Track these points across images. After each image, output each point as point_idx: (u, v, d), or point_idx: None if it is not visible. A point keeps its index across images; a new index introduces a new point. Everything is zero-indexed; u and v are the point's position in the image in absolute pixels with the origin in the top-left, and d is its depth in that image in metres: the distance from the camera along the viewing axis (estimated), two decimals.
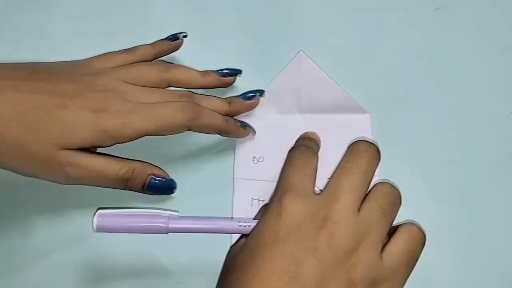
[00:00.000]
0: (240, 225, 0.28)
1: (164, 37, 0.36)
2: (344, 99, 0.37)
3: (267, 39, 0.41)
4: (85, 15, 0.41)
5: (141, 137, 0.30)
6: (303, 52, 0.36)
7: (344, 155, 0.30)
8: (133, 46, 0.35)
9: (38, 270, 0.34)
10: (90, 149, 0.30)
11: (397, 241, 0.27)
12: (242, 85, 0.38)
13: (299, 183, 0.28)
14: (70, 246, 0.35)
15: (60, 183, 0.30)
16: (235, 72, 0.36)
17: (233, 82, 0.36)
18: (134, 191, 0.31)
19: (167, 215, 0.29)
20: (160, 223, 0.28)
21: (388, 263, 0.27)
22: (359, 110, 0.38)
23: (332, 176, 0.29)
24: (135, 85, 0.32)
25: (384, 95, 0.39)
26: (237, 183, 0.36)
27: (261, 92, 0.37)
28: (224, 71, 0.36)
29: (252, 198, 0.36)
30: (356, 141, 0.30)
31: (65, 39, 0.40)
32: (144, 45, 0.35)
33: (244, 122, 0.36)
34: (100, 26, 0.41)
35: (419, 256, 0.28)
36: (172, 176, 0.32)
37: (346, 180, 0.28)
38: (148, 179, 0.31)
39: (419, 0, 0.42)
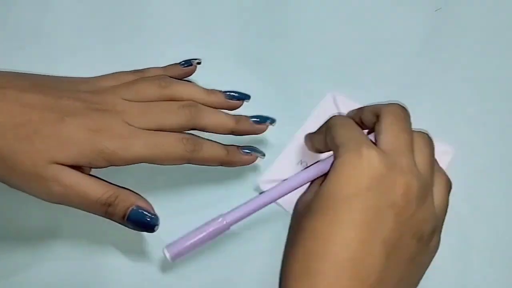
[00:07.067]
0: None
1: (162, 36, 0.36)
2: None
3: (267, 39, 0.41)
4: (84, 15, 0.41)
5: (137, 163, 0.30)
6: (332, 94, 0.35)
7: (383, 118, 0.29)
8: (131, 45, 0.34)
9: (39, 271, 0.33)
10: (82, 169, 0.29)
11: (439, 190, 0.29)
12: (241, 85, 0.36)
13: (364, 138, 0.28)
14: (71, 246, 0.35)
15: (44, 199, 0.29)
16: (243, 97, 0.34)
17: (240, 106, 0.34)
18: (115, 221, 0.29)
19: (220, 214, 0.31)
20: (218, 224, 0.30)
21: (438, 213, 0.29)
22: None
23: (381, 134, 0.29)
24: (135, 101, 0.31)
25: (384, 95, 0.39)
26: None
27: (272, 121, 0.34)
28: (232, 93, 0.34)
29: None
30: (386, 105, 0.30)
31: (64, 39, 0.40)
32: (156, 67, 0.35)
33: (249, 147, 0.34)
34: (100, 25, 0.41)
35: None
36: (192, 172, 0.32)
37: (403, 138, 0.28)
38: (130, 208, 0.29)
39: (419, 1, 0.42)
